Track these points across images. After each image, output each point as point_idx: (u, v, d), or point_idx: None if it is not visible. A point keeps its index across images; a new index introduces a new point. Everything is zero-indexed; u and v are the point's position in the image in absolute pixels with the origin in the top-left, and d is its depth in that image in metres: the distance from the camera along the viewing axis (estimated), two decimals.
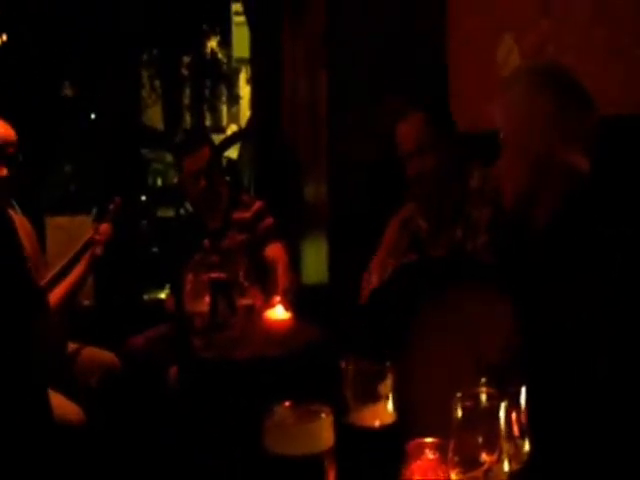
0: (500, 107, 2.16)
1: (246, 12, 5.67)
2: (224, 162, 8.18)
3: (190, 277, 2.96)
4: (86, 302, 4.17)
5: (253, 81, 5.75)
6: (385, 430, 1.40)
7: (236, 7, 9.92)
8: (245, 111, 18.35)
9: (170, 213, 9.43)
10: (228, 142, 9.41)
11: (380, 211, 3.49)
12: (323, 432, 1.13)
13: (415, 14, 4.24)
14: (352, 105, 4.31)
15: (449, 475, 1.27)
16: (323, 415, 1.14)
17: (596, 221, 1.93)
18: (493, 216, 2.94)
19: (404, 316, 1.98)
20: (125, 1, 7.78)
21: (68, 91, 9.71)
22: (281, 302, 2.95)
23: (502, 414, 1.26)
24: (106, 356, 3.52)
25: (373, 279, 3.15)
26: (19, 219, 3.32)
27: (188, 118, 18.82)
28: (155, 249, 7.75)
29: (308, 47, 4.71)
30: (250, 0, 5.44)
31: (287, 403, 1.19)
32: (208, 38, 16.23)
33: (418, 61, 4.27)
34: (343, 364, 1.45)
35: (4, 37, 7.56)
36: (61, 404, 2.72)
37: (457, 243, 2.97)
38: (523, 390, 1.35)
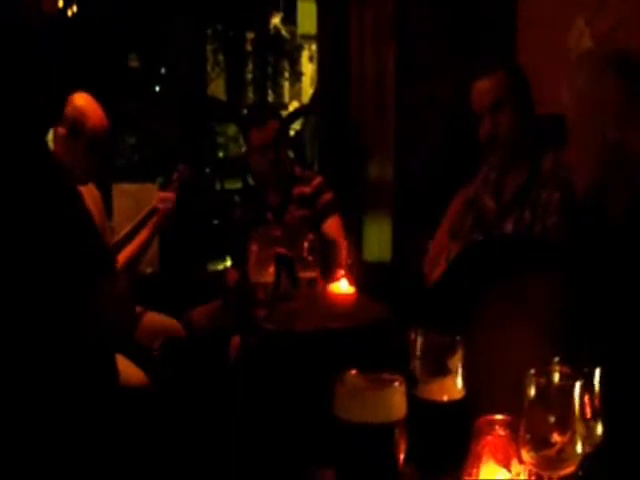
0: (568, 93, 2.11)
1: None
2: (291, 135, 8.19)
3: (255, 249, 2.96)
4: (149, 269, 4.21)
5: (319, 56, 5.72)
6: (453, 405, 1.39)
7: None
8: (307, 88, 18.34)
9: (232, 185, 9.47)
10: (293, 116, 9.41)
11: (445, 190, 3.46)
12: (395, 401, 1.12)
13: None
14: (420, 80, 4.28)
15: (520, 453, 1.25)
16: (396, 384, 1.13)
17: None
18: (564, 199, 2.89)
19: (473, 294, 1.96)
20: None
21: (134, 63, 9.79)
22: (345, 276, 2.94)
23: (577, 394, 1.24)
24: (169, 322, 3.57)
25: (435, 260, 3.12)
26: (87, 185, 3.36)
27: (250, 94, 18.90)
28: (216, 221, 7.80)
29: (376, 22, 4.68)
30: None
31: (358, 371, 1.18)
32: (272, 14, 16.25)
33: (486, 42, 4.22)
34: (412, 336, 1.44)
35: (74, 8, 7.64)
36: (124, 367, 2.76)
37: (525, 224, 2.92)
38: (597, 371, 1.33)
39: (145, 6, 8.20)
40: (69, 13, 6.97)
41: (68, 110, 3.19)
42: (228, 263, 7.00)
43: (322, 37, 5.55)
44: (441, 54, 4.24)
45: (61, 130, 3.17)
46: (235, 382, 2.99)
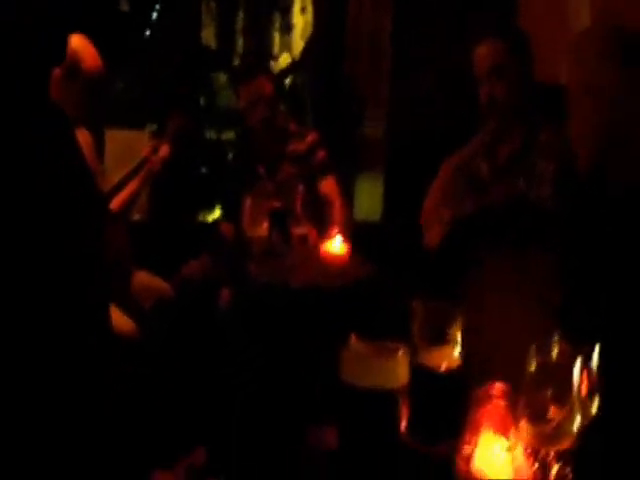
0: (570, 71, 2.11)
1: None
2: (286, 88, 8.12)
3: (249, 203, 2.97)
4: (137, 216, 4.19)
5: (315, 10, 5.67)
6: (451, 373, 1.41)
7: None
8: (298, 40, 18.22)
9: (224, 136, 9.40)
10: (286, 72, 9.32)
11: (439, 149, 3.46)
12: (399, 369, 1.14)
13: None
14: (417, 37, 4.26)
15: (517, 423, 1.27)
16: (400, 352, 1.14)
17: None
18: (559, 170, 2.90)
19: (470, 263, 1.98)
20: None
21: (124, 7, 9.66)
22: (340, 235, 2.95)
23: (576, 371, 1.25)
24: (159, 283, 3.55)
25: (427, 226, 3.12)
26: (79, 129, 3.34)
27: (241, 42, 18.73)
28: (206, 170, 7.75)
29: None
30: None
31: (363, 337, 1.19)
32: None
33: (487, 5, 4.20)
34: (414, 303, 1.45)
35: None
36: (116, 316, 2.77)
37: (519, 192, 2.93)
38: (596, 348, 1.34)
39: None
40: None
41: None
42: (217, 214, 6.99)
43: None
44: (439, 11, 4.22)
45: (56, 72, 3.13)
46: (225, 333, 3.00)
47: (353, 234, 3.26)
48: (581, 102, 2.06)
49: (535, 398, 1.26)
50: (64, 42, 2.97)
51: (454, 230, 2.57)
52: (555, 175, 2.89)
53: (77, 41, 3.20)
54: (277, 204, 3.11)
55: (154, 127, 6.54)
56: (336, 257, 2.91)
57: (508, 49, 3.03)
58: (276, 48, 18.68)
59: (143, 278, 3.50)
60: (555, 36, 3.75)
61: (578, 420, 1.26)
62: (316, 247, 3.00)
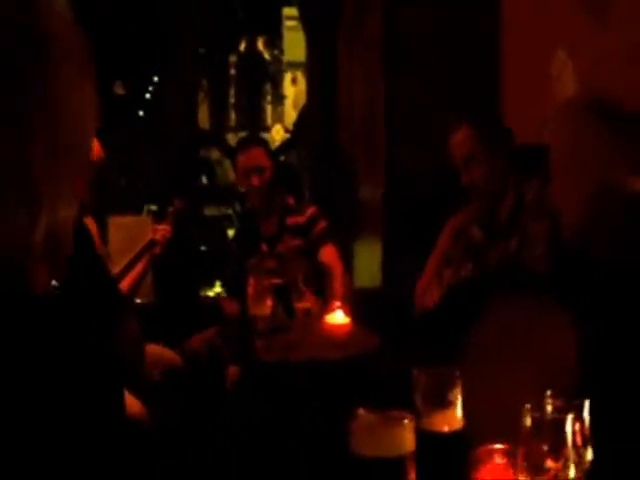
0: (552, 139, 2.22)
1: (302, 17, 5.78)
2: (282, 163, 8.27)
3: (252, 282, 3.06)
4: (143, 300, 4.27)
5: (308, 85, 5.85)
6: (454, 435, 1.49)
7: (288, 11, 10.03)
8: (290, 111, 18.47)
9: (217, 212, 9.51)
10: (284, 148, 9.50)
11: (435, 216, 3.57)
12: (407, 436, 1.23)
13: (470, 26, 4.33)
14: (409, 113, 4.39)
15: (517, 479, 1.36)
16: (406, 421, 1.24)
17: None
18: (550, 228, 2.99)
19: (466, 326, 2.06)
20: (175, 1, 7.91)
21: (119, 90, 9.84)
22: (341, 307, 3.04)
23: (569, 425, 1.35)
24: (168, 353, 3.64)
25: (428, 289, 3.21)
26: (86, 217, 3.44)
27: (233, 116, 18.98)
28: (204, 247, 7.86)
29: (365, 55, 4.80)
30: (307, 6, 5.54)
31: (369, 408, 1.28)
32: (256, 39, 16.37)
33: (474, 71, 4.35)
34: (415, 372, 1.54)
35: None
36: (128, 400, 2.83)
37: (512, 253, 3.03)
38: (587, 403, 1.44)
39: (130, 34, 8.26)
40: None
41: None
42: (218, 289, 7.07)
43: (311, 66, 5.68)
44: (429, 88, 4.36)
45: None
46: (233, 410, 3.06)
47: (354, 302, 3.35)
48: (565, 166, 2.16)
49: (532, 452, 1.35)
50: None
51: (452, 292, 2.67)
52: (547, 233, 2.99)
53: None
54: (279, 281, 3.20)
55: (154, 207, 6.66)
56: (339, 329, 3.00)
57: (480, 136, 3.16)
58: (269, 120, 18.89)
59: (152, 349, 3.57)
60: (540, 96, 3.89)
61: (573, 470, 1.35)
62: (319, 319, 3.08)
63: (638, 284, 1.98)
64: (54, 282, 1.04)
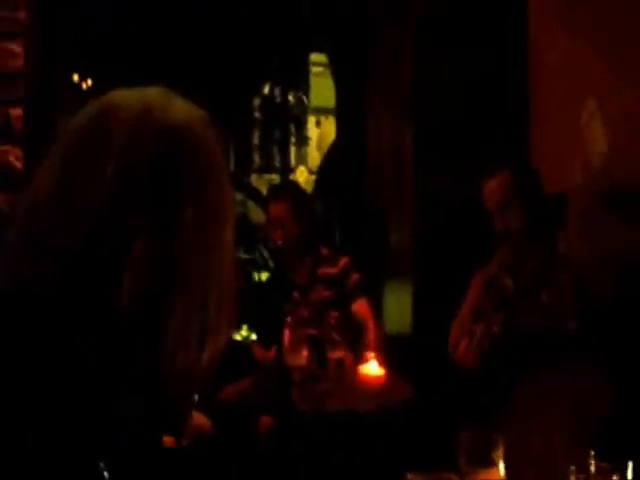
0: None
1: (332, 63, 5.86)
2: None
3: (287, 332, 3.09)
4: None
5: (338, 131, 5.91)
6: None
7: (316, 58, 10.14)
8: (314, 152, 18.58)
9: (241, 254, 9.54)
10: (313, 197, 9.52)
11: (465, 262, 3.58)
12: None
13: (498, 74, 4.38)
14: (436, 158, 4.44)
15: None
16: None
17: None
18: (576, 278, 3.00)
19: (506, 389, 2.09)
20: (202, 41, 8.01)
21: None
22: (375, 358, 3.06)
23: None
24: (198, 417, 3.60)
25: (457, 340, 3.22)
26: None
27: (257, 159, 19.12)
28: None
29: (394, 102, 4.86)
30: (337, 53, 5.62)
31: (417, 470, 1.31)
32: (281, 82, 16.53)
33: (501, 121, 4.39)
34: (460, 435, 1.56)
35: (89, 82, 7.82)
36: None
37: (545, 308, 3.03)
38: (630, 465, 1.45)
39: (153, 76, 8.36)
40: (84, 86, 7.17)
41: None
42: (245, 332, 7.08)
43: (340, 112, 5.74)
44: (457, 138, 4.41)
45: None
46: (267, 463, 3.06)
47: (386, 352, 3.35)
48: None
49: None
50: None
51: (490, 354, 2.69)
52: (573, 284, 3.00)
53: None
54: (314, 332, 3.22)
55: None
56: (373, 379, 3.01)
57: (514, 181, 3.19)
58: (293, 161, 19.02)
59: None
60: (570, 147, 3.92)
61: None
62: (353, 370, 3.10)
63: None
64: None
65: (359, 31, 5.24)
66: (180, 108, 1.05)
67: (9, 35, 3.97)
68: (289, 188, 4.40)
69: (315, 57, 9.98)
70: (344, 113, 5.63)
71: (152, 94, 1.05)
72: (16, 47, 3.69)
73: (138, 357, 0.98)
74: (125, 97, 1.04)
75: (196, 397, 1.12)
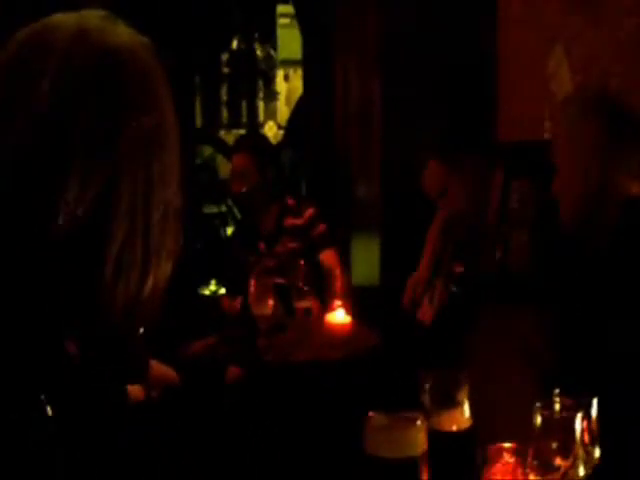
0: (554, 134, 2.26)
1: (298, 15, 5.78)
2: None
3: (253, 282, 3.07)
4: None
5: (305, 83, 5.86)
6: (463, 434, 1.51)
7: (282, 9, 10.03)
8: (283, 107, 18.48)
9: (213, 209, 9.48)
10: (278, 147, 9.48)
11: (432, 214, 3.59)
12: (419, 436, 1.24)
13: (466, 24, 4.35)
14: (404, 110, 4.42)
15: (527, 477, 1.37)
16: (419, 422, 1.25)
17: None
18: (533, 237, 3.03)
19: (465, 334, 2.10)
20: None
21: None
22: (342, 306, 3.05)
23: (578, 423, 1.36)
24: (166, 371, 3.58)
25: (418, 298, 3.25)
26: None
27: (225, 114, 18.99)
28: (199, 245, 7.84)
29: (361, 53, 4.82)
30: (303, 3, 5.54)
31: (382, 409, 1.30)
32: (248, 37, 16.37)
33: (468, 68, 4.37)
34: (422, 373, 1.55)
35: None
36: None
37: (500, 263, 3.07)
38: (595, 401, 1.45)
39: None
40: None
41: None
42: (213, 287, 7.07)
43: (307, 64, 5.69)
44: (424, 84, 4.38)
45: None
46: (235, 412, 3.06)
47: (354, 300, 3.36)
48: (564, 158, 2.19)
49: (542, 450, 1.37)
50: None
51: (444, 309, 2.73)
52: (529, 244, 3.03)
53: None
54: (280, 280, 3.21)
55: None
56: (340, 328, 3.01)
57: (450, 171, 3.25)
58: (261, 116, 18.84)
59: (152, 367, 3.53)
60: (537, 93, 3.91)
61: (582, 468, 1.37)
62: (320, 319, 3.09)
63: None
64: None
65: None
66: (121, 32, 1.04)
67: None
68: (252, 139, 4.37)
69: (282, 8, 9.85)
70: (311, 65, 5.57)
71: (91, 16, 1.04)
72: None
73: (76, 290, 0.96)
74: (63, 18, 1.03)
75: (141, 330, 1.09)
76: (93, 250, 0.96)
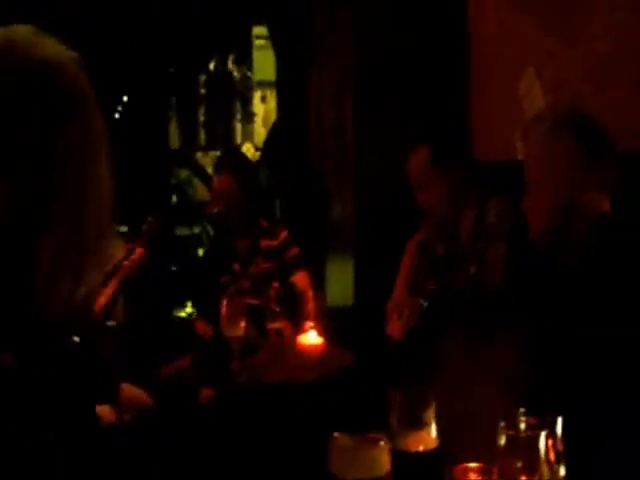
0: (524, 151, 2.27)
1: (272, 36, 5.81)
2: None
3: (225, 302, 3.06)
4: (113, 322, 4.25)
5: (278, 104, 5.87)
6: (429, 454, 1.50)
7: (258, 30, 10.05)
8: (259, 129, 18.49)
9: (187, 232, 9.47)
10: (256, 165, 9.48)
11: (406, 232, 3.59)
12: (383, 457, 1.24)
13: (438, 47, 4.38)
14: (377, 131, 4.43)
15: None
16: (382, 443, 1.25)
17: (618, 262, 2.04)
18: (508, 251, 3.04)
19: (434, 352, 2.09)
20: (144, 20, 7.92)
21: None
22: (314, 327, 3.05)
23: (542, 442, 1.37)
24: (139, 394, 3.56)
25: (394, 319, 3.24)
26: None
27: (204, 135, 18.96)
28: (173, 267, 7.83)
29: (335, 76, 4.83)
30: (277, 25, 5.56)
31: (346, 431, 1.29)
32: (225, 58, 16.37)
33: (440, 90, 4.39)
34: (389, 392, 1.55)
35: None
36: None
37: (472, 279, 3.07)
38: (559, 420, 1.46)
39: (99, 53, 8.23)
40: None
41: None
42: (189, 309, 7.04)
43: (281, 86, 5.69)
44: (396, 106, 4.40)
45: None
46: (207, 434, 3.05)
47: (326, 321, 3.36)
48: (535, 178, 2.21)
49: (507, 469, 1.37)
50: None
51: (417, 324, 2.73)
52: (504, 257, 3.03)
53: None
54: (253, 301, 3.21)
55: (124, 228, 6.61)
56: (313, 349, 3.01)
57: (432, 162, 3.24)
58: (238, 138, 18.82)
59: (124, 389, 3.50)
60: (508, 115, 3.94)
61: None
62: (292, 340, 3.09)
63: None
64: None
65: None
66: (49, 46, 1.04)
67: None
68: (234, 159, 4.37)
69: (258, 30, 9.89)
70: (285, 86, 5.59)
71: (19, 31, 1.04)
72: None
73: (8, 298, 0.96)
74: None
75: (77, 339, 1.08)
76: (25, 258, 0.96)
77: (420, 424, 1.52)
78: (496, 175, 3.58)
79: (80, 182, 0.99)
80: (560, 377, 1.94)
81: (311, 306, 3.45)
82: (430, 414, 1.53)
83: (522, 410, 1.49)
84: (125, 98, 9.26)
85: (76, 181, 0.99)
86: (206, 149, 18.48)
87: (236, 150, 13.10)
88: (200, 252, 7.90)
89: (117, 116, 9.61)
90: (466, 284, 3.08)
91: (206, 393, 3.47)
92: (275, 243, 3.90)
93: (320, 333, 3.06)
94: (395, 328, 3.09)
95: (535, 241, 2.26)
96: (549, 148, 2.17)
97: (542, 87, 3.77)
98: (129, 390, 3.52)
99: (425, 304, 3.03)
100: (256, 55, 13.27)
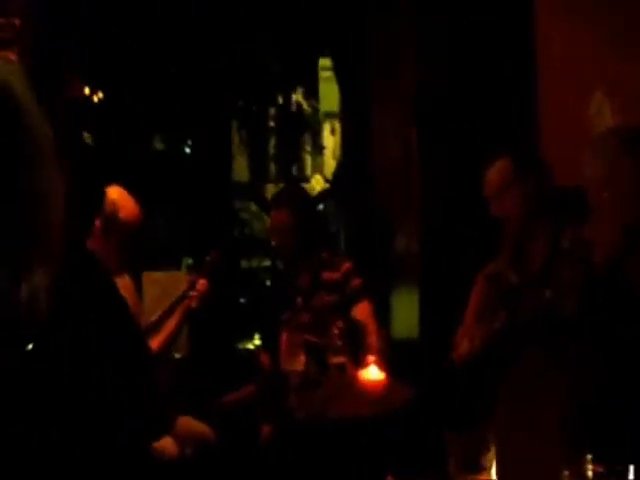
0: (588, 173, 2.18)
1: (335, 68, 5.79)
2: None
3: (285, 336, 3.02)
4: (178, 355, 4.25)
5: (343, 135, 5.85)
6: None
7: (324, 62, 10.05)
8: (329, 161, 18.54)
9: (255, 264, 9.52)
10: (321, 198, 9.46)
11: (473, 266, 3.50)
12: None
13: (505, 73, 4.30)
14: (442, 162, 4.36)
15: None
16: None
17: None
18: (584, 276, 2.93)
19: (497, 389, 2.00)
20: (212, 54, 8.01)
21: (159, 145, 9.95)
22: (375, 362, 2.96)
23: None
24: (200, 426, 3.53)
25: (464, 344, 3.14)
26: (120, 275, 3.43)
27: (273, 168, 19.11)
28: (243, 300, 7.85)
29: (398, 106, 4.78)
30: (340, 57, 5.55)
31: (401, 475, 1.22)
32: (294, 90, 16.50)
33: (509, 118, 4.30)
34: (448, 436, 1.47)
35: (100, 94, 7.80)
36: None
37: (547, 304, 2.96)
38: (631, 468, 1.35)
39: (166, 88, 8.33)
40: (95, 99, 7.16)
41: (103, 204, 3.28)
42: (257, 341, 7.04)
43: (345, 117, 5.67)
44: (463, 136, 4.33)
45: (97, 223, 3.26)
46: (267, 471, 3.00)
47: (392, 354, 3.28)
48: (600, 198, 2.11)
49: None
50: (102, 194, 3.10)
51: (485, 347, 2.61)
52: (581, 281, 2.92)
53: (115, 194, 3.34)
54: (311, 337, 3.15)
55: (190, 260, 6.65)
56: (374, 384, 2.92)
57: (515, 166, 3.15)
58: (308, 170, 18.99)
59: (186, 423, 3.48)
60: (578, 139, 3.84)
61: None
62: (354, 376, 3.01)
63: None
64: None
65: (359, 31, 5.17)
66: None
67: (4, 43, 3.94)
68: (290, 194, 4.33)
69: (323, 62, 9.93)
70: (348, 117, 5.56)
71: None
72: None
73: None
74: None
75: (30, 347, 1.06)
76: None
77: (479, 469, 1.44)
78: (564, 201, 3.47)
79: (25, 194, 1.00)
80: (632, 417, 1.82)
81: (373, 339, 3.37)
82: (489, 458, 1.45)
83: (589, 457, 1.38)
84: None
85: (22, 193, 0.99)
86: (276, 181, 18.61)
87: (294, 184, 13.15)
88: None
89: (187, 150, 9.74)
90: (541, 309, 2.97)
91: (266, 430, 3.42)
92: (337, 275, 3.83)
93: (381, 367, 2.96)
94: (463, 353, 2.98)
95: (601, 269, 2.16)
96: (613, 167, 2.08)
97: (611, 107, 3.67)
98: (190, 423, 3.50)
99: (498, 325, 2.92)
100: (322, 87, 13.33)
